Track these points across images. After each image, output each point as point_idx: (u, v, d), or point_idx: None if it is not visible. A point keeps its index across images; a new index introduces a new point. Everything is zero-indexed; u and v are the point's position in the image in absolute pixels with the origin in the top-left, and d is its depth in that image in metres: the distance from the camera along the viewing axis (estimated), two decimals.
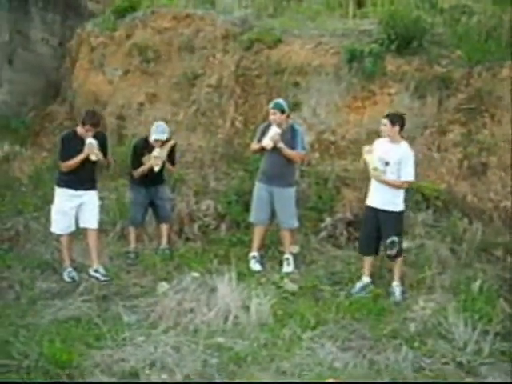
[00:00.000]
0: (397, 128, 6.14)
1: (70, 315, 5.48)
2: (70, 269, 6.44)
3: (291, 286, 6.27)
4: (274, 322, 5.44)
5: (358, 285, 6.24)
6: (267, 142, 6.59)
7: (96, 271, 6.43)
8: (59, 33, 11.47)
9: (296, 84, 8.48)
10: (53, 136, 9.81)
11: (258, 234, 6.91)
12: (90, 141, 6.32)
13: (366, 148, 6.23)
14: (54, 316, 5.47)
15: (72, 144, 6.38)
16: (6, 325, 5.22)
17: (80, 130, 6.41)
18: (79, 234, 6.77)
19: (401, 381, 4.67)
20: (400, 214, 6.19)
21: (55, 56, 11.40)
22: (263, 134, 6.81)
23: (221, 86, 9.05)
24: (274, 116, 6.70)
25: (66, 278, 6.36)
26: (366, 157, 6.17)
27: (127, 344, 4.92)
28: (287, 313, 5.62)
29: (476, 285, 6.02)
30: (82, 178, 6.41)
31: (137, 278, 6.53)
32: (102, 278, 6.36)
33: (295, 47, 8.66)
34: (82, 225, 6.56)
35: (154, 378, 4.47)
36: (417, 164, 7.61)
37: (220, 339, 5.07)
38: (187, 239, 7.44)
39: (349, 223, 7.28)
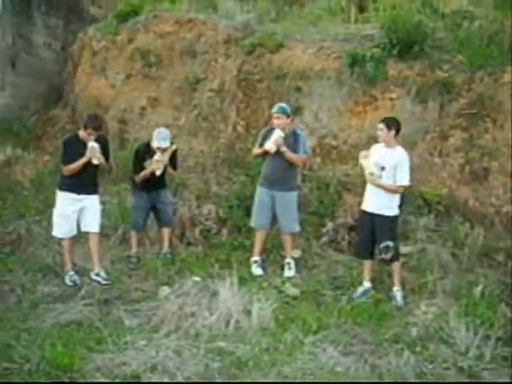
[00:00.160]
0: (392, 132, 6.16)
1: (72, 319, 5.48)
2: (71, 272, 6.44)
3: (293, 291, 6.26)
4: (276, 326, 5.43)
5: (360, 290, 6.24)
6: (270, 146, 6.59)
7: (97, 275, 6.43)
8: (62, 37, 11.53)
9: (298, 88, 8.49)
10: (55, 140, 9.84)
11: (259, 238, 6.91)
12: (92, 144, 6.33)
13: (362, 153, 6.27)
14: (55, 320, 5.46)
15: (74, 148, 6.39)
16: (8, 328, 5.21)
17: (82, 133, 6.42)
18: (81, 237, 6.78)
19: (400, 381, 4.68)
20: (395, 218, 6.20)
21: (58, 60, 11.45)
22: (265, 138, 6.81)
23: (223, 91, 9.07)
24: (279, 120, 6.70)
25: (68, 282, 6.36)
26: (363, 162, 6.19)
27: (129, 348, 4.91)
28: (289, 317, 5.61)
29: (478, 290, 6.01)
30: (84, 181, 6.42)
31: (138, 282, 6.53)
32: (104, 282, 6.36)
33: (297, 52, 8.68)
34: (83, 229, 6.57)
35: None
36: (418, 169, 7.69)
37: (221, 343, 5.06)
38: (189, 243, 7.44)
39: (350, 228, 7.28)
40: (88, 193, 6.51)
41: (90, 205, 6.52)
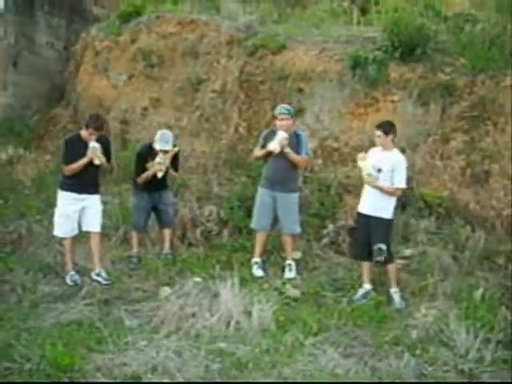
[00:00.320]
0: (390, 137, 6.17)
1: (72, 319, 5.48)
2: (72, 272, 6.44)
3: (293, 292, 6.26)
4: (276, 327, 5.43)
5: (360, 292, 6.24)
6: (275, 147, 6.59)
7: (98, 275, 6.43)
8: (64, 37, 11.55)
9: (300, 90, 8.51)
10: (56, 139, 9.85)
11: (259, 239, 6.91)
12: (94, 145, 6.33)
13: (360, 155, 6.28)
14: (56, 319, 5.46)
15: (75, 147, 6.40)
16: (8, 328, 5.22)
17: (84, 133, 6.43)
18: (82, 237, 6.78)
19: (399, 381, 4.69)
20: (390, 221, 6.20)
21: (60, 60, 11.47)
22: (266, 140, 6.81)
23: (225, 92, 9.08)
24: (282, 122, 6.69)
25: (69, 282, 6.36)
26: (360, 163, 6.20)
27: (129, 348, 4.91)
28: (289, 319, 5.60)
29: (478, 293, 6.01)
30: (85, 181, 6.42)
31: (139, 282, 6.53)
32: (104, 282, 6.36)
33: (299, 53, 8.69)
34: (84, 228, 6.57)
35: None
36: (420, 171, 7.70)
37: (222, 344, 5.06)
38: (190, 244, 7.44)
39: (351, 230, 7.28)
40: (89, 193, 6.51)
41: (91, 205, 6.52)
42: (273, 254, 7.16)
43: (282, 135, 6.59)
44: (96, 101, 10.09)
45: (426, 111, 7.93)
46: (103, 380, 4.44)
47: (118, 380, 4.47)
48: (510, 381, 4.79)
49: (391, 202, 6.18)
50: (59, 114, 10.76)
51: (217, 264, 6.69)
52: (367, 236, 6.18)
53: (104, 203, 6.99)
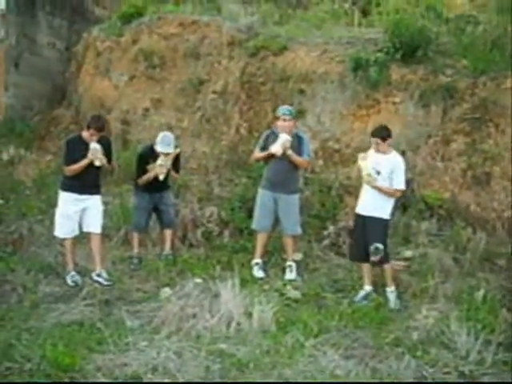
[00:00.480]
0: (388, 141, 6.15)
1: (73, 319, 5.47)
2: (73, 273, 6.44)
3: (294, 294, 6.26)
4: (277, 329, 5.42)
5: (361, 293, 6.24)
6: (277, 149, 6.58)
7: (99, 275, 6.43)
8: (66, 37, 11.57)
9: (301, 91, 8.51)
10: (58, 140, 9.87)
11: (260, 240, 6.91)
12: (94, 146, 6.33)
13: (361, 155, 6.27)
14: (56, 320, 5.46)
15: (77, 148, 6.40)
16: (9, 328, 5.21)
17: (85, 134, 6.43)
18: (83, 238, 6.78)
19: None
20: (387, 222, 6.20)
21: (61, 60, 11.49)
22: (266, 141, 6.81)
23: (226, 93, 9.08)
24: (285, 123, 6.69)
25: (69, 282, 6.36)
26: (361, 163, 6.20)
27: (130, 349, 4.91)
28: (290, 320, 5.60)
29: (479, 294, 6.00)
30: (86, 182, 6.42)
31: (140, 283, 6.53)
32: (105, 283, 6.36)
33: (300, 55, 8.70)
34: (85, 229, 6.57)
35: None
36: (421, 173, 7.70)
37: (222, 345, 5.06)
38: (190, 245, 7.44)
39: (352, 231, 7.27)
40: (90, 193, 6.51)
41: (92, 205, 6.52)
42: (273, 255, 7.16)
43: (284, 138, 6.58)
44: (97, 101, 10.11)
45: (427, 113, 7.93)
46: (104, 380, 4.44)
47: (119, 380, 4.46)
48: (510, 381, 4.78)
49: (389, 203, 6.18)
50: (60, 115, 10.77)
51: (217, 265, 6.70)
52: (364, 237, 6.18)
53: (105, 204, 6.99)
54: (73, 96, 10.81)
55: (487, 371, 4.89)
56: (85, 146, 6.35)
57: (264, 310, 5.49)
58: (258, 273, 6.75)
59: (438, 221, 7.45)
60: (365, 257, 6.21)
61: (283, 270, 6.82)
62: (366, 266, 6.29)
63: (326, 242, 7.37)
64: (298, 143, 6.71)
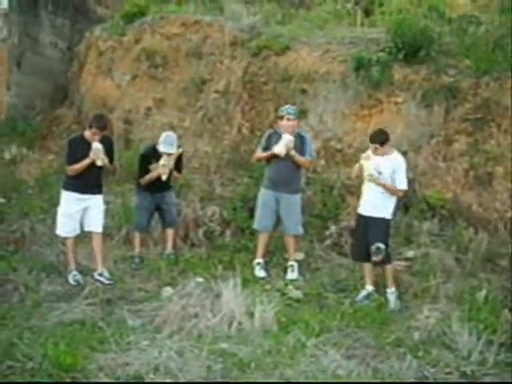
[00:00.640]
0: (387, 144, 6.13)
1: (75, 318, 5.48)
2: (75, 272, 6.45)
3: (296, 293, 6.26)
4: (278, 328, 5.42)
5: (362, 293, 6.24)
6: (280, 150, 6.57)
7: (101, 275, 6.44)
8: (68, 37, 11.57)
9: (303, 91, 8.51)
10: (60, 139, 9.88)
11: (262, 240, 6.91)
12: (96, 146, 6.33)
13: (364, 154, 6.25)
14: (58, 319, 5.47)
15: (79, 148, 6.40)
16: (11, 327, 5.22)
17: (87, 133, 6.43)
18: (84, 237, 6.78)
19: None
20: (388, 222, 6.20)
21: (63, 60, 11.50)
22: (269, 141, 6.81)
23: (228, 92, 9.08)
24: (289, 122, 6.68)
25: (71, 281, 6.37)
26: (364, 163, 6.19)
27: (131, 348, 4.91)
28: (291, 320, 5.60)
29: (481, 295, 6.01)
30: (88, 181, 6.43)
31: (141, 282, 6.54)
32: (107, 282, 6.36)
33: (303, 54, 8.70)
34: (86, 228, 6.57)
35: None
36: (422, 173, 7.69)
37: (224, 345, 5.06)
38: (192, 245, 7.45)
39: (353, 231, 7.27)
40: (92, 193, 6.52)
41: (93, 205, 6.53)
42: (275, 254, 7.16)
43: (288, 138, 6.58)
44: (99, 101, 10.11)
45: (429, 113, 7.92)
46: (105, 380, 4.44)
47: (121, 380, 4.47)
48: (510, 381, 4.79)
49: (391, 203, 6.17)
50: (62, 114, 10.78)
51: (219, 264, 6.71)
52: (366, 236, 6.18)
53: (107, 203, 7.01)
54: (75, 95, 10.82)
55: (489, 372, 4.89)
56: (87, 146, 6.35)
57: (266, 309, 5.49)
58: (260, 272, 6.75)
59: (439, 221, 7.44)
60: (366, 257, 6.21)
61: (285, 270, 6.82)
62: (367, 266, 6.29)
63: (328, 241, 7.38)
64: (300, 143, 6.71)
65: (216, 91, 9.19)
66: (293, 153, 6.60)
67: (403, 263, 6.76)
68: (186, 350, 4.90)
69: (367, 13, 9.79)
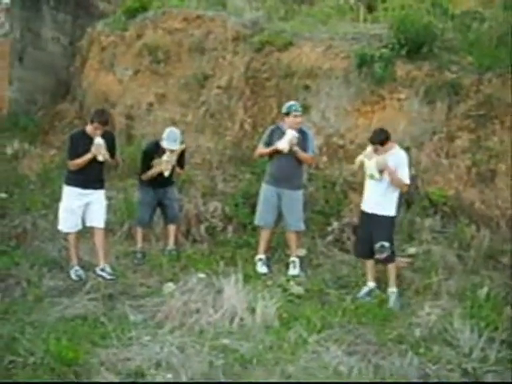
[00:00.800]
0: (388, 143, 6.09)
1: (77, 313, 5.48)
2: (76, 267, 6.45)
3: (297, 289, 6.26)
4: (280, 324, 5.43)
5: (364, 290, 6.24)
6: (284, 146, 6.56)
7: (102, 270, 6.44)
8: (70, 32, 11.56)
9: (306, 87, 8.50)
10: (62, 134, 9.87)
11: (264, 236, 6.91)
12: (98, 141, 6.32)
13: (366, 152, 6.19)
14: (60, 314, 5.47)
15: (80, 143, 6.40)
16: (13, 321, 5.23)
17: (89, 128, 6.42)
18: (86, 232, 6.79)
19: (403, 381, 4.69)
20: (392, 219, 6.18)
21: (65, 55, 11.48)
22: (271, 137, 6.80)
23: (230, 88, 9.07)
24: (297, 119, 6.68)
25: (73, 277, 6.37)
26: (366, 161, 6.16)
27: (133, 343, 4.92)
28: (293, 316, 5.60)
29: (482, 291, 6.01)
30: (90, 177, 6.42)
31: (143, 277, 6.54)
32: (109, 277, 6.37)
33: (306, 50, 8.68)
34: (88, 224, 6.57)
35: (159, 378, 4.47)
36: (425, 169, 7.68)
37: (225, 341, 5.06)
38: (194, 240, 7.45)
39: (356, 227, 7.26)
40: (94, 188, 6.51)
41: (95, 200, 6.53)
42: (277, 250, 7.16)
43: (292, 134, 6.56)
44: (101, 96, 10.10)
45: (432, 109, 7.91)
46: (107, 375, 4.44)
47: (122, 375, 4.47)
48: None
49: (393, 199, 6.16)
50: (65, 109, 10.78)
51: (221, 260, 6.72)
52: (370, 234, 6.16)
53: (109, 198, 7.01)
54: (77, 91, 10.81)
55: (490, 369, 4.89)
56: (89, 141, 6.35)
57: (267, 305, 5.50)
58: (262, 268, 6.75)
59: (441, 218, 7.43)
60: (369, 253, 6.20)
61: (287, 266, 6.83)
62: (369, 263, 6.28)
63: (330, 238, 7.38)
64: (302, 139, 6.70)
65: (218, 87, 9.18)
66: (296, 149, 6.59)
67: (405, 260, 6.75)
68: (187, 346, 4.91)
69: (370, 8, 9.78)
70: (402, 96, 8.02)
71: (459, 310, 5.60)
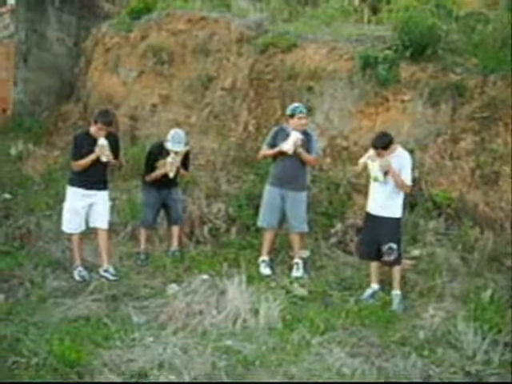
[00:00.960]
0: (391, 146, 6.07)
1: (80, 314, 5.49)
2: (80, 268, 6.46)
3: (300, 291, 6.26)
4: (283, 326, 5.42)
5: (368, 291, 6.23)
6: (289, 147, 6.56)
7: (106, 271, 6.45)
8: (75, 33, 11.57)
9: (309, 89, 8.49)
10: (66, 135, 9.89)
11: (267, 238, 6.91)
12: (102, 142, 6.33)
13: (370, 154, 6.17)
14: (63, 314, 5.48)
15: (84, 144, 6.41)
16: (16, 322, 5.24)
17: (93, 129, 6.43)
18: (90, 233, 6.80)
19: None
20: (398, 220, 6.17)
21: (70, 56, 11.50)
22: (275, 138, 6.80)
23: (234, 90, 9.07)
24: (302, 120, 6.68)
25: (77, 277, 6.38)
26: (369, 164, 6.15)
27: (136, 344, 4.92)
28: (296, 317, 5.60)
29: (486, 294, 5.99)
30: (93, 177, 6.43)
31: (147, 278, 6.54)
32: (112, 278, 6.37)
33: (309, 52, 8.68)
34: (91, 224, 6.58)
35: (162, 379, 4.47)
36: (429, 171, 7.66)
37: (228, 342, 5.06)
38: (198, 242, 7.45)
39: (359, 229, 7.26)
40: (97, 189, 6.52)
41: (99, 201, 6.53)
42: (280, 252, 7.15)
43: (296, 136, 6.56)
44: (106, 97, 10.11)
45: (436, 111, 7.90)
46: (110, 376, 4.45)
47: (125, 376, 4.47)
48: None
49: (399, 201, 6.14)
50: (69, 111, 10.80)
51: (224, 262, 6.72)
52: (376, 236, 6.15)
53: (112, 199, 7.02)
54: (81, 92, 10.83)
55: (494, 371, 4.88)
56: (92, 142, 6.36)
57: (270, 307, 5.49)
58: (265, 270, 6.75)
59: (445, 220, 7.41)
60: (374, 255, 6.19)
61: (290, 268, 6.82)
62: (374, 265, 6.27)
63: (334, 239, 7.37)
64: (306, 141, 6.69)
65: (222, 88, 9.18)
66: (300, 150, 6.58)
67: (409, 262, 6.74)
68: (190, 347, 4.91)
69: (374, 10, 9.78)
70: (406, 98, 8.01)
71: (463, 313, 5.58)
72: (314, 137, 6.92)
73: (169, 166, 6.88)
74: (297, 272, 6.73)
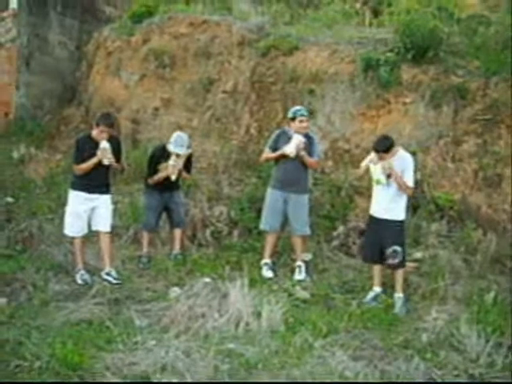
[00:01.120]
0: (392, 149, 6.06)
1: (82, 318, 5.47)
2: (82, 271, 6.45)
3: (303, 294, 6.25)
4: (286, 329, 5.41)
5: (370, 294, 6.22)
6: (291, 150, 6.55)
7: (108, 274, 6.44)
8: (77, 37, 11.61)
9: (311, 91, 8.49)
10: (68, 139, 9.89)
11: (269, 241, 6.90)
12: (104, 145, 6.33)
13: (372, 157, 6.15)
14: (66, 318, 5.47)
15: (86, 147, 6.41)
16: (19, 326, 5.22)
17: (94, 132, 6.44)
18: (92, 237, 6.79)
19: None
20: (402, 223, 6.15)
21: (72, 60, 11.53)
22: (277, 141, 6.80)
23: (236, 93, 9.08)
24: (303, 123, 6.68)
25: (79, 281, 6.38)
26: (371, 167, 6.14)
27: (138, 348, 4.91)
28: (298, 320, 5.59)
29: (489, 296, 5.98)
30: (95, 181, 6.43)
31: (149, 282, 6.53)
32: (114, 282, 6.37)
33: (311, 55, 8.69)
34: (94, 228, 6.57)
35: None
36: (431, 174, 7.66)
37: (231, 345, 5.05)
38: (200, 245, 7.45)
39: (361, 232, 7.25)
40: (100, 192, 6.52)
41: (101, 204, 6.53)
42: (282, 255, 7.15)
43: (299, 139, 6.56)
44: (107, 101, 10.12)
45: (438, 113, 7.90)
46: (112, 379, 4.44)
47: (127, 379, 4.46)
48: None
49: (402, 204, 6.13)
50: (71, 114, 10.81)
51: (226, 265, 6.70)
52: (379, 239, 6.13)
53: (115, 203, 7.01)
54: (83, 95, 10.85)
55: (497, 374, 4.86)
56: (94, 145, 6.36)
57: (273, 310, 5.48)
58: (267, 273, 6.74)
59: (448, 222, 7.41)
60: (377, 258, 6.18)
61: (292, 271, 6.81)
62: (377, 268, 6.25)
63: (336, 242, 7.36)
64: (308, 144, 6.69)
65: (224, 91, 9.19)
66: (302, 153, 6.58)
67: (411, 264, 6.73)
68: (192, 350, 4.89)
69: (376, 13, 9.78)
70: (408, 100, 8.02)
71: (466, 315, 5.56)
72: (316, 140, 6.92)
73: (171, 168, 6.88)
74: (299, 275, 6.72)
